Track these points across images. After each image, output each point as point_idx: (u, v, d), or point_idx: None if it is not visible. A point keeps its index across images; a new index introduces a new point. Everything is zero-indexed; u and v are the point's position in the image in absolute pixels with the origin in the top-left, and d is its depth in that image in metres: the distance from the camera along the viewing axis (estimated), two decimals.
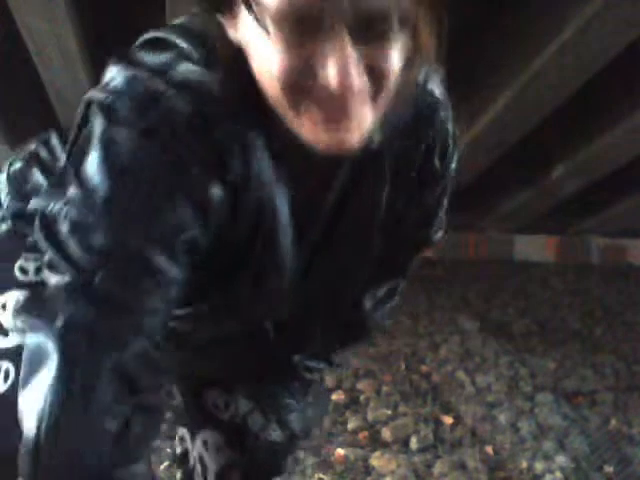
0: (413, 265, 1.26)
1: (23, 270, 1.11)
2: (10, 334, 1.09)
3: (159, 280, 0.85)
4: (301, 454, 2.24)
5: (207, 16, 0.88)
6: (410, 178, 1.06)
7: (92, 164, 0.84)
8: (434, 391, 2.78)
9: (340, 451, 2.28)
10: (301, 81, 0.78)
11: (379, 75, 0.79)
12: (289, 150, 0.89)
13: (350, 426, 2.46)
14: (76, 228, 0.83)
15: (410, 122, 1.01)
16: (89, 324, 0.81)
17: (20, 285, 1.10)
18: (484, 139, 2.97)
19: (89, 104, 0.91)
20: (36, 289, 0.85)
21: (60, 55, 2.47)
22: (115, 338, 0.82)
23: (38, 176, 1.14)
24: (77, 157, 0.87)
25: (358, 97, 0.79)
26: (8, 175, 1.18)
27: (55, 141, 1.17)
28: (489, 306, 3.77)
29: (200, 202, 0.88)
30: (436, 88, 1.04)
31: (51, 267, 0.84)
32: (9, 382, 1.06)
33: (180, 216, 0.86)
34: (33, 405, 0.79)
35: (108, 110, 0.87)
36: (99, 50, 2.65)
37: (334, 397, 2.67)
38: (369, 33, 0.76)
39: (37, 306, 0.84)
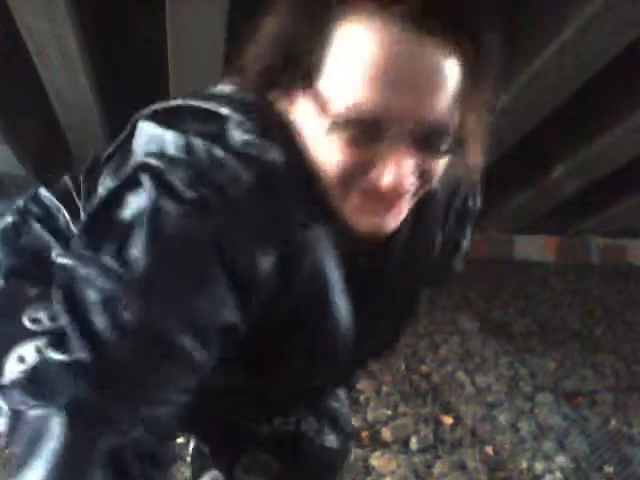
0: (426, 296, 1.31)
1: (35, 320, 1.07)
2: None
3: (181, 366, 0.82)
4: None
5: (253, 88, 0.88)
6: (450, 228, 1.12)
7: (137, 240, 0.80)
8: (434, 391, 2.78)
9: None
10: (355, 176, 0.82)
11: (427, 179, 0.85)
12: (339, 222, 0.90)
13: None
14: (107, 302, 0.78)
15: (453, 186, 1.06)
16: (93, 407, 0.78)
17: (35, 335, 1.06)
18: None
19: (141, 168, 0.85)
20: (34, 369, 0.80)
21: (60, 55, 2.47)
22: (117, 423, 0.79)
23: (36, 229, 1.11)
24: (121, 224, 0.82)
25: (403, 197, 0.85)
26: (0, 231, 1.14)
27: (45, 197, 1.14)
28: (489, 306, 3.77)
29: (249, 279, 0.84)
30: (475, 199, 1.12)
31: (59, 341, 0.79)
32: None
33: (220, 300, 0.83)
34: None
35: (163, 179, 0.82)
36: (99, 50, 2.65)
37: None
38: (427, 143, 0.81)
39: (37, 385, 0.79)
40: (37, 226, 1.11)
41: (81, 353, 0.77)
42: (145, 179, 0.83)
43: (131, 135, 0.95)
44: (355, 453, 2.28)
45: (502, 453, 2.36)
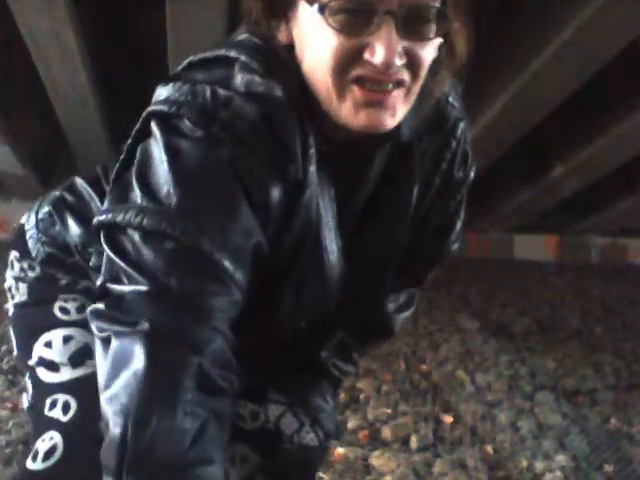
0: (429, 277, 1.34)
1: (64, 310, 1.17)
2: (61, 368, 1.14)
3: (227, 284, 0.87)
4: None
5: (256, 27, 0.96)
6: (435, 183, 1.13)
7: (161, 175, 0.87)
8: (434, 390, 2.78)
9: (340, 450, 2.28)
10: (350, 66, 0.88)
11: (416, 64, 0.89)
12: (332, 151, 0.97)
13: (350, 425, 2.46)
14: (149, 236, 0.85)
15: (436, 128, 1.09)
16: (173, 327, 0.84)
17: (63, 324, 1.16)
18: (484, 139, 2.97)
19: (149, 117, 0.92)
20: (112, 298, 0.86)
21: (60, 54, 2.48)
22: (197, 339, 0.84)
23: (69, 218, 1.18)
24: (142, 170, 0.89)
25: (396, 84, 0.89)
26: (37, 221, 1.21)
27: (81, 186, 1.21)
28: (489, 305, 3.77)
29: (263, 205, 0.91)
30: (457, 101, 1.13)
31: (120, 278, 0.86)
32: (71, 414, 1.10)
33: (247, 220, 0.89)
34: (118, 404, 0.82)
35: (172, 121, 0.90)
36: (99, 49, 2.65)
37: None
38: (412, 27, 0.87)
39: (118, 313, 0.85)
40: (70, 215, 1.19)
41: (144, 285, 0.84)
42: (153, 125, 0.90)
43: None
44: (355, 452, 2.28)
45: (502, 452, 2.36)
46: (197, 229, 0.85)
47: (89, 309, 0.88)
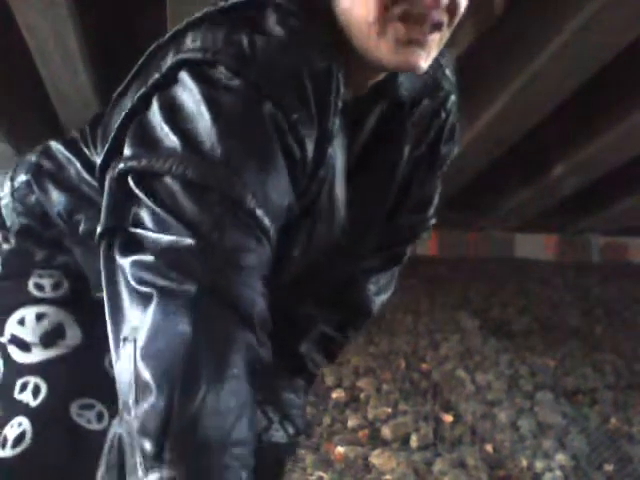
0: (407, 254, 1.31)
1: (39, 286, 1.11)
2: (32, 349, 1.09)
3: (264, 242, 0.85)
4: (301, 452, 2.25)
5: None
6: (421, 149, 1.13)
7: (202, 127, 0.83)
8: (434, 389, 2.79)
9: (340, 449, 2.28)
10: (395, 2, 0.87)
11: (456, 8, 0.89)
12: (351, 102, 0.95)
13: (350, 424, 2.47)
14: (193, 188, 0.81)
15: (430, 94, 1.09)
16: (220, 288, 0.81)
17: (37, 301, 1.10)
18: (484, 138, 2.98)
19: (179, 65, 0.87)
20: (158, 249, 0.81)
21: (60, 53, 2.48)
22: (244, 302, 0.82)
23: (49, 187, 1.12)
24: (174, 118, 0.85)
25: (435, 27, 0.89)
26: (12, 189, 1.15)
27: (57, 150, 1.15)
28: (489, 304, 3.78)
29: (301, 161, 0.90)
30: (452, 74, 1.13)
31: (157, 226, 0.81)
32: (40, 398, 1.07)
33: (285, 180, 0.88)
34: (161, 369, 0.78)
35: (206, 69, 0.85)
36: (99, 48, 2.66)
37: (334, 395, 2.68)
38: None
39: (164, 267, 0.80)
40: (50, 183, 1.12)
41: (188, 239, 0.80)
42: (184, 74, 0.86)
43: (143, 65, 0.97)
44: (355, 451, 2.28)
45: (502, 451, 2.37)
46: (242, 184, 0.83)
47: (131, 259, 0.81)
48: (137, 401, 0.78)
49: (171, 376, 0.77)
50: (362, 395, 2.68)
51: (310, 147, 0.91)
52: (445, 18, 0.89)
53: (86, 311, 1.10)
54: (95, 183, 1.05)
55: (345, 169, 1.03)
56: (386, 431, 2.42)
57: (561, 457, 2.33)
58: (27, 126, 3.24)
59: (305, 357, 1.29)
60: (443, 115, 1.12)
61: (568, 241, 4.63)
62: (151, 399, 0.77)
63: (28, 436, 1.05)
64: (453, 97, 1.13)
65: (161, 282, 0.79)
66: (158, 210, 0.81)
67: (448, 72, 1.12)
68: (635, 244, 4.69)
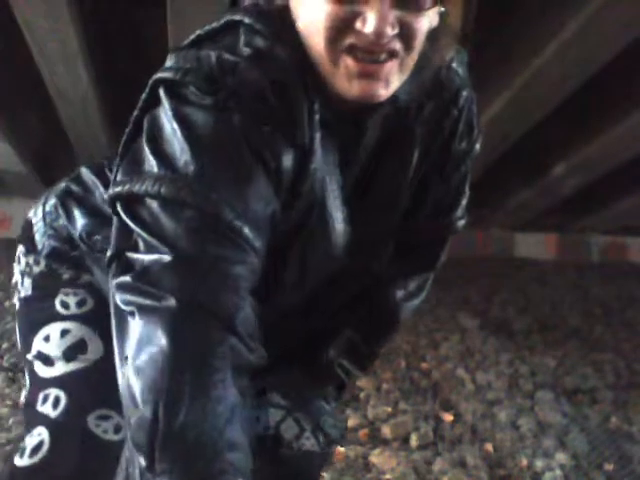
0: (441, 258, 1.31)
1: (64, 304, 1.17)
2: (55, 363, 1.13)
3: (248, 252, 0.87)
4: None
5: None
6: (433, 151, 1.12)
7: (175, 144, 0.86)
8: (434, 389, 2.79)
9: (340, 448, 2.28)
10: (342, 35, 0.88)
11: (409, 34, 0.88)
12: (334, 116, 0.96)
13: (350, 423, 2.46)
14: (169, 205, 0.84)
15: (438, 94, 1.08)
16: (199, 298, 0.83)
17: (62, 318, 1.16)
18: (485, 137, 2.97)
19: (156, 85, 0.91)
20: (136, 270, 0.85)
21: (61, 52, 2.48)
22: (225, 309, 0.84)
23: (74, 210, 1.18)
24: (153, 139, 0.88)
25: (389, 55, 0.89)
26: (43, 213, 1.21)
27: (86, 175, 1.21)
28: (489, 304, 3.78)
29: (276, 172, 0.91)
30: (461, 69, 1.11)
31: (140, 247, 0.85)
32: (60, 409, 1.09)
33: (264, 188, 0.89)
34: (146, 384, 0.81)
35: (178, 88, 0.89)
36: (100, 48, 2.66)
37: None
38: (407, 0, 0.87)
39: (143, 285, 0.83)
40: (75, 207, 1.18)
41: (166, 255, 0.83)
42: (161, 93, 0.90)
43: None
44: (355, 450, 2.28)
45: (502, 450, 2.37)
46: (217, 197, 0.85)
47: (115, 282, 0.86)
48: (130, 417, 0.82)
49: (154, 390, 0.80)
50: (362, 394, 2.68)
51: (287, 160, 0.93)
52: (399, 46, 0.89)
53: (109, 326, 1.12)
54: None
55: (342, 187, 1.03)
56: (386, 430, 2.42)
57: (561, 456, 2.34)
58: (27, 126, 3.25)
59: (333, 363, 1.29)
60: (455, 112, 1.11)
61: (568, 241, 4.63)
62: (138, 414, 0.80)
63: (45, 446, 1.07)
64: (465, 92, 1.12)
65: (141, 301, 0.83)
66: (143, 232, 0.85)
67: (455, 66, 1.10)
68: (635, 244, 4.69)
